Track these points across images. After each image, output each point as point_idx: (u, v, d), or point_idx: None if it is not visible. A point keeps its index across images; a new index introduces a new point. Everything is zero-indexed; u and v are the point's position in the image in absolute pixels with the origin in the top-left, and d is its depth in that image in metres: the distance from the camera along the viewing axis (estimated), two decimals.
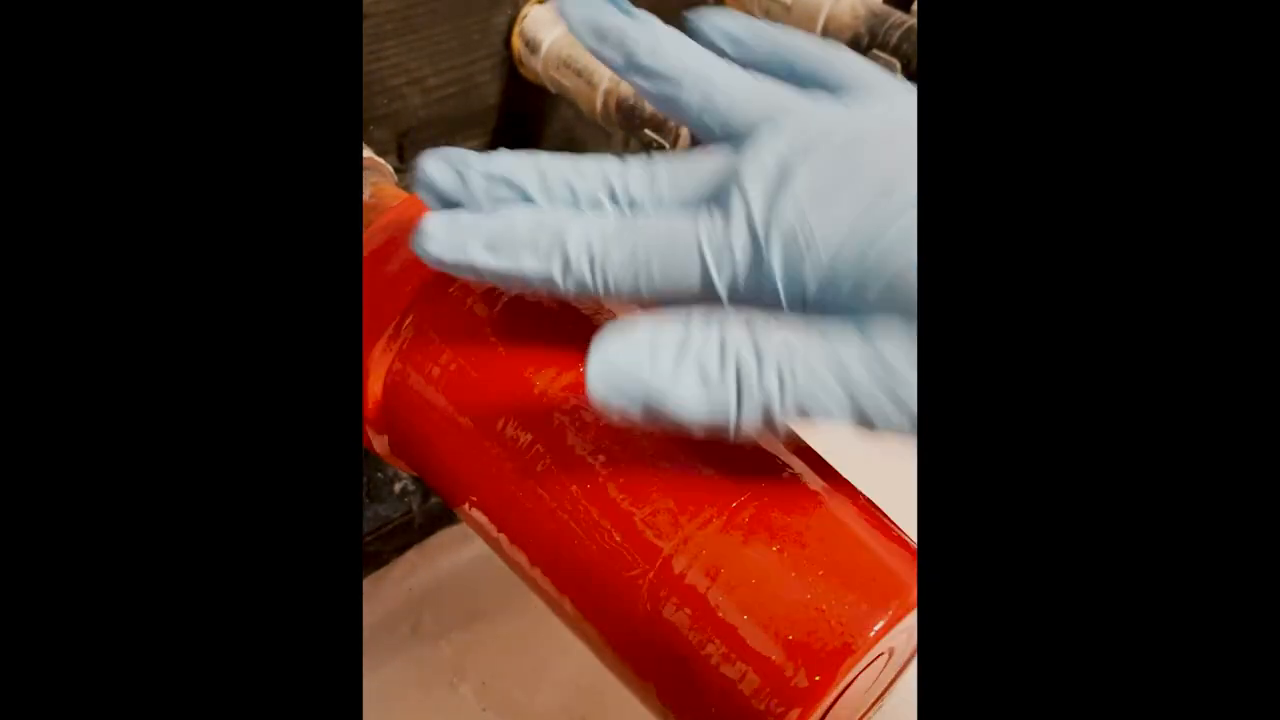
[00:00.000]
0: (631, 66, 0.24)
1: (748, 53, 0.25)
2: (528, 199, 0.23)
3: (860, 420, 0.20)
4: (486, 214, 0.23)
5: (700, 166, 0.23)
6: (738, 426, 0.20)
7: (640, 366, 0.20)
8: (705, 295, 0.22)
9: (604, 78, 0.42)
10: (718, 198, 0.22)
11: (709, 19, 0.26)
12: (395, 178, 0.36)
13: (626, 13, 0.24)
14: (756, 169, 0.21)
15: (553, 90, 0.46)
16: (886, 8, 0.46)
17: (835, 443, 0.26)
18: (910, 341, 0.19)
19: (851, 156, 0.21)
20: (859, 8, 0.46)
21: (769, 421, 0.20)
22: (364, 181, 0.35)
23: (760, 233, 0.21)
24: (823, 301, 0.21)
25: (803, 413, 0.20)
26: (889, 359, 0.19)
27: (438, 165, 0.24)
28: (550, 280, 0.22)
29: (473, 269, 0.23)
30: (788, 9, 0.48)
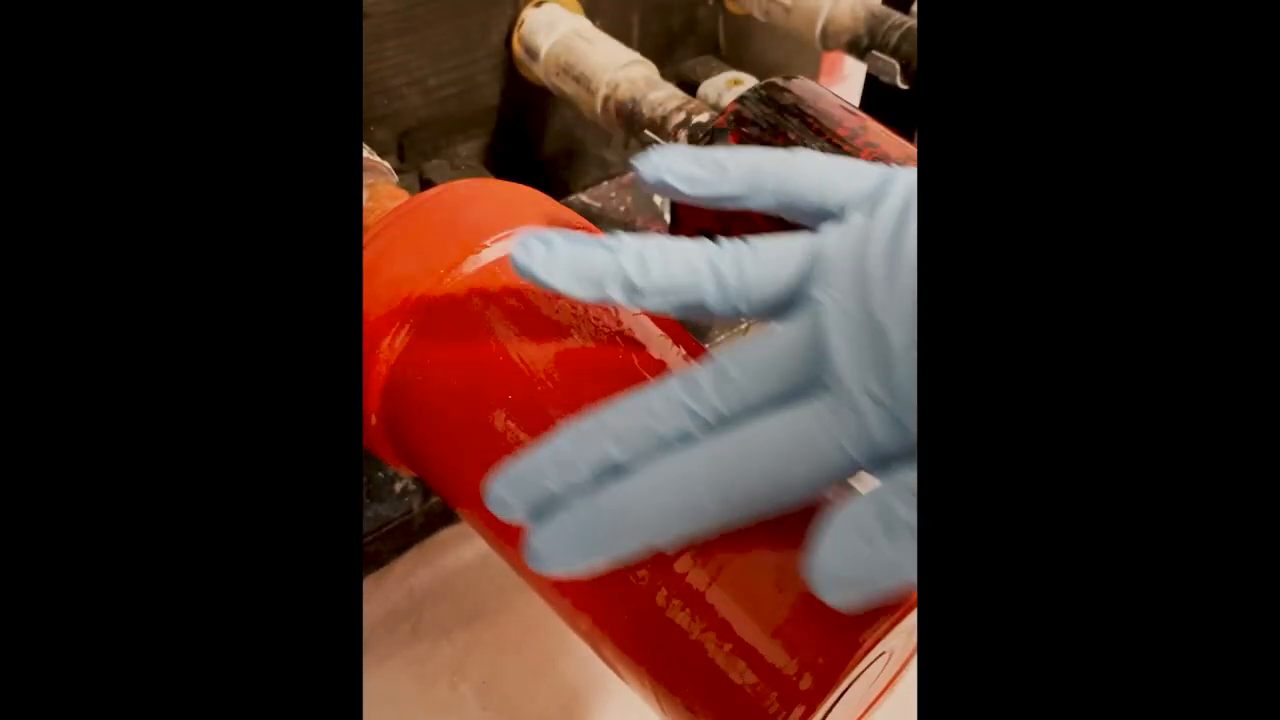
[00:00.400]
0: (637, 294, 0.23)
1: (721, 190, 0.24)
2: (615, 465, 0.21)
3: None
4: (594, 507, 0.21)
5: (771, 353, 0.22)
6: None
7: (864, 561, 0.19)
8: (849, 474, 0.21)
9: (602, 83, 0.42)
10: (816, 382, 0.21)
11: (663, 165, 0.25)
12: (395, 178, 0.37)
13: (606, 247, 0.23)
14: (844, 350, 0.21)
15: (554, 93, 0.46)
16: (886, 9, 0.46)
17: None
18: None
19: (906, 280, 0.21)
20: (858, 9, 0.46)
21: None
22: (364, 182, 0.35)
23: (896, 409, 0.20)
24: None
25: None
26: None
27: (508, 493, 0.22)
28: (698, 536, 0.21)
29: (610, 563, 0.22)
30: (788, 11, 0.48)
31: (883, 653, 0.22)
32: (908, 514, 0.19)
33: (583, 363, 0.25)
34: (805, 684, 0.21)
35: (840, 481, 0.21)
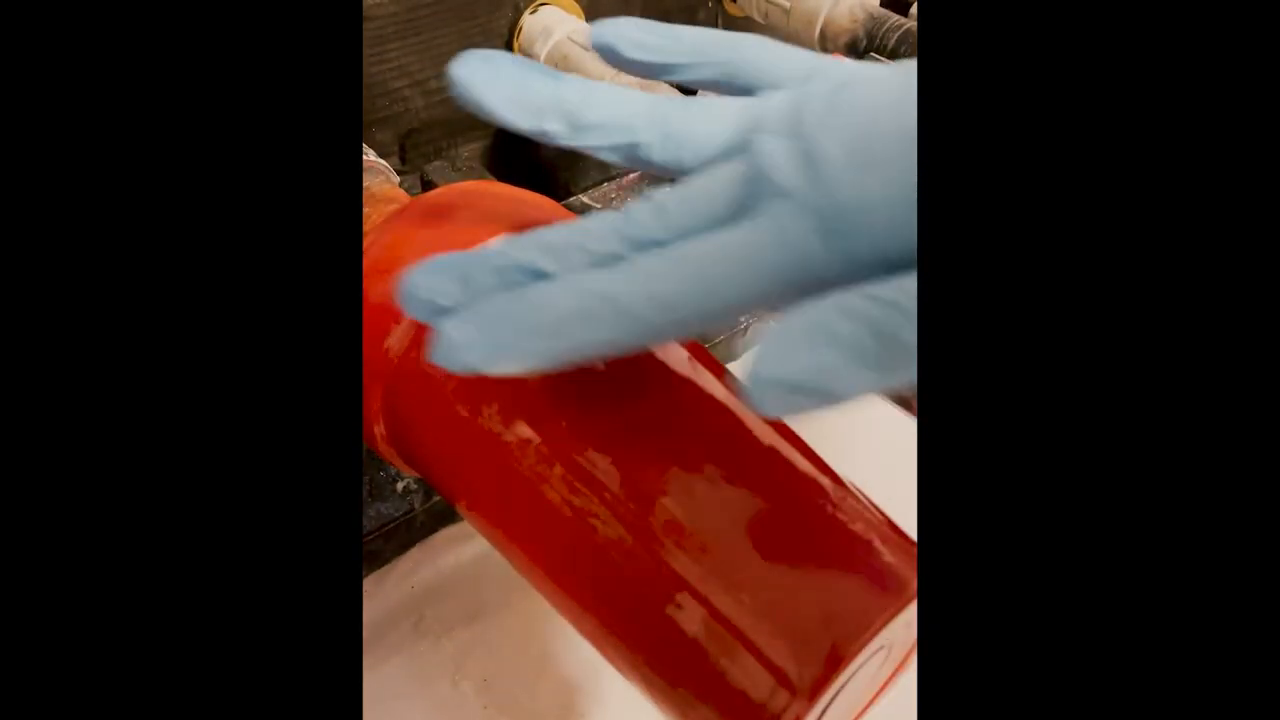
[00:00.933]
0: (577, 129, 0.23)
1: (668, 57, 0.24)
2: (542, 276, 0.21)
3: None
4: (513, 299, 0.21)
5: (706, 186, 0.22)
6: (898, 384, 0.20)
7: (798, 363, 0.19)
8: (779, 297, 0.21)
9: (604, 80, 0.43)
10: (751, 206, 0.21)
11: (611, 29, 0.25)
12: (396, 179, 0.37)
13: (551, 76, 0.23)
14: (783, 168, 0.21)
15: None
16: (884, 10, 0.46)
17: (835, 440, 0.26)
18: None
19: (846, 123, 0.21)
20: (857, 10, 0.46)
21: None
22: (365, 183, 0.35)
23: (830, 220, 0.20)
24: (903, 259, 0.20)
25: None
26: None
27: (430, 280, 0.22)
28: (618, 345, 0.21)
29: (523, 365, 0.21)
30: (786, 12, 0.48)
31: (882, 646, 0.22)
32: (846, 326, 0.19)
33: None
34: (804, 677, 0.21)
35: (773, 305, 0.21)
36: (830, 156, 0.20)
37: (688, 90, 0.28)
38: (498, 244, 0.22)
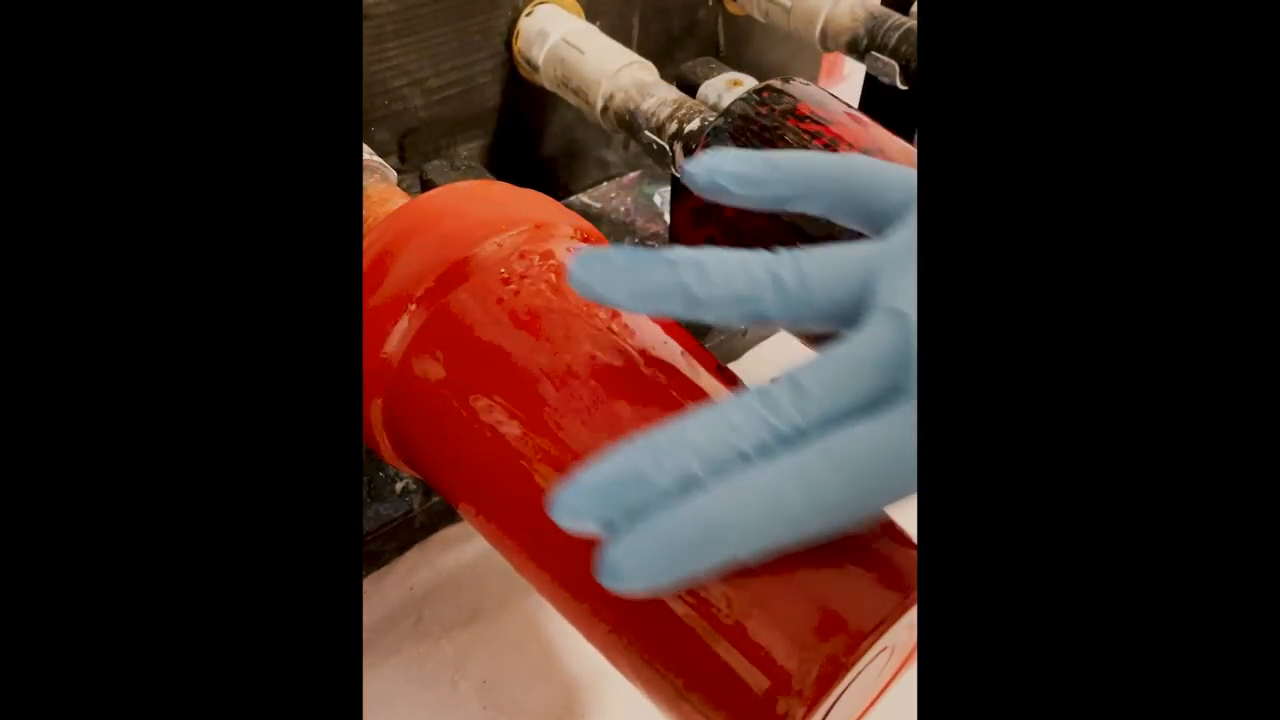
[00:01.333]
0: (698, 307, 0.23)
1: (774, 190, 0.25)
2: (696, 481, 0.21)
3: None
4: (679, 520, 0.20)
5: (848, 363, 0.21)
6: None
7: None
8: None
9: (599, 95, 0.43)
10: (899, 390, 0.21)
11: (707, 167, 0.25)
12: (396, 178, 0.37)
13: (666, 261, 0.23)
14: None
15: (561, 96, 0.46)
16: (885, 9, 0.46)
17: None
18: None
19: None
20: (858, 9, 0.46)
21: None
22: (364, 182, 0.35)
23: None
24: None
25: None
26: None
27: (582, 503, 0.21)
28: (779, 549, 0.21)
29: (690, 578, 0.21)
30: (787, 11, 0.48)
31: (885, 648, 0.22)
32: None
33: (586, 360, 0.25)
34: (807, 679, 0.21)
35: None
36: None
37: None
38: (642, 450, 0.21)
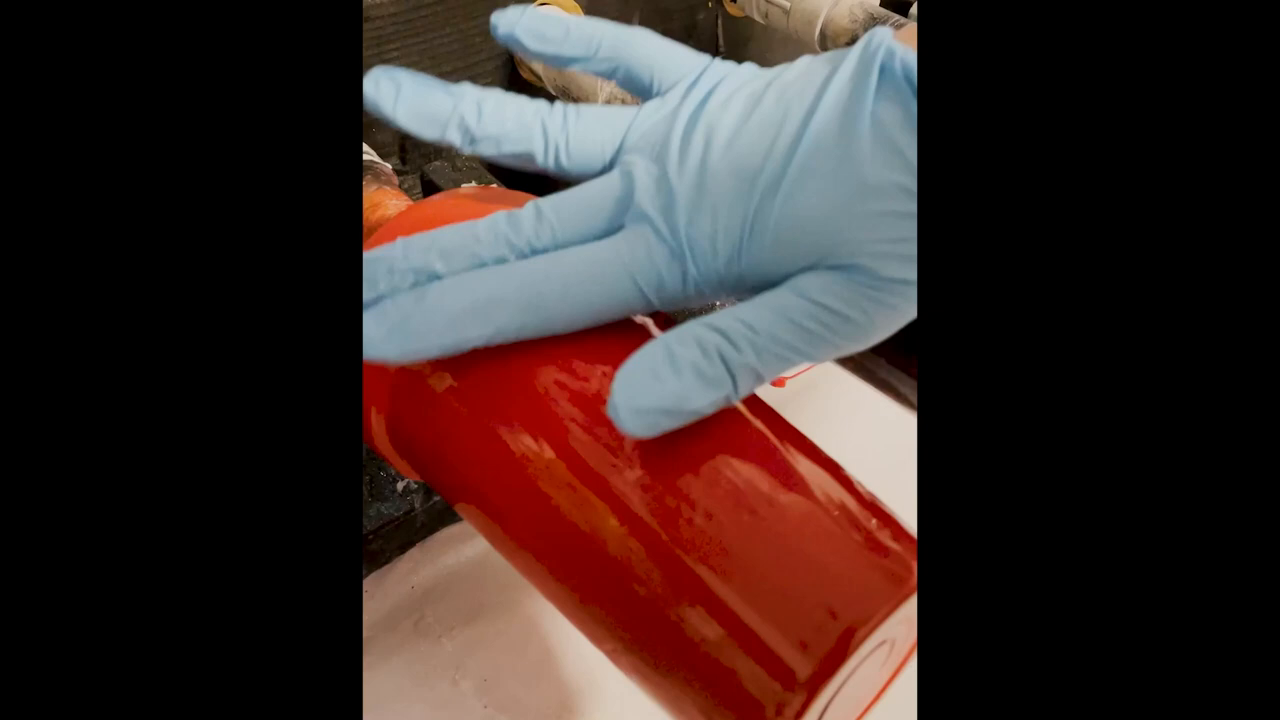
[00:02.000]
0: (474, 140, 0.26)
1: (563, 50, 0.27)
2: (436, 276, 0.24)
3: (824, 358, 0.24)
4: (414, 301, 0.24)
5: (585, 199, 0.25)
6: (739, 396, 0.23)
7: (653, 393, 0.22)
8: (640, 308, 0.24)
9: (601, 96, 0.43)
10: (621, 224, 0.25)
11: (508, 20, 0.27)
12: (396, 179, 0.37)
13: (448, 93, 0.26)
14: (644, 195, 0.24)
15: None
16: (884, 10, 0.46)
17: (836, 437, 0.26)
18: (835, 282, 0.23)
19: (701, 158, 0.24)
20: (857, 10, 0.46)
21: (759, 382, 0.24)
22: (365, 183, 0.35)
23: (677, 251, 0.24)
24: (752, 279, 0.24)
25: (783, 367, 0.23)
26: (826, 303, 0.23)
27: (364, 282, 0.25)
28: (500, 338, 0.24)
29: (428, 355, 0.24)
30: (786, 12, 0.48)
31: (883, 642, 0.22)
32: (684, 352, 0.22)
33: (587, 361, 0.25)
34: (805, 672, 0.21)
35: (634, 312, 0.25)
36: (678, 191, 0.24)
37: None
38: (400, 245, 0.25)
